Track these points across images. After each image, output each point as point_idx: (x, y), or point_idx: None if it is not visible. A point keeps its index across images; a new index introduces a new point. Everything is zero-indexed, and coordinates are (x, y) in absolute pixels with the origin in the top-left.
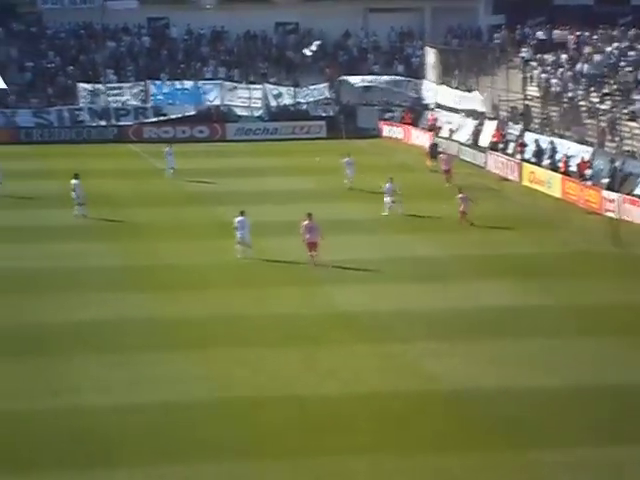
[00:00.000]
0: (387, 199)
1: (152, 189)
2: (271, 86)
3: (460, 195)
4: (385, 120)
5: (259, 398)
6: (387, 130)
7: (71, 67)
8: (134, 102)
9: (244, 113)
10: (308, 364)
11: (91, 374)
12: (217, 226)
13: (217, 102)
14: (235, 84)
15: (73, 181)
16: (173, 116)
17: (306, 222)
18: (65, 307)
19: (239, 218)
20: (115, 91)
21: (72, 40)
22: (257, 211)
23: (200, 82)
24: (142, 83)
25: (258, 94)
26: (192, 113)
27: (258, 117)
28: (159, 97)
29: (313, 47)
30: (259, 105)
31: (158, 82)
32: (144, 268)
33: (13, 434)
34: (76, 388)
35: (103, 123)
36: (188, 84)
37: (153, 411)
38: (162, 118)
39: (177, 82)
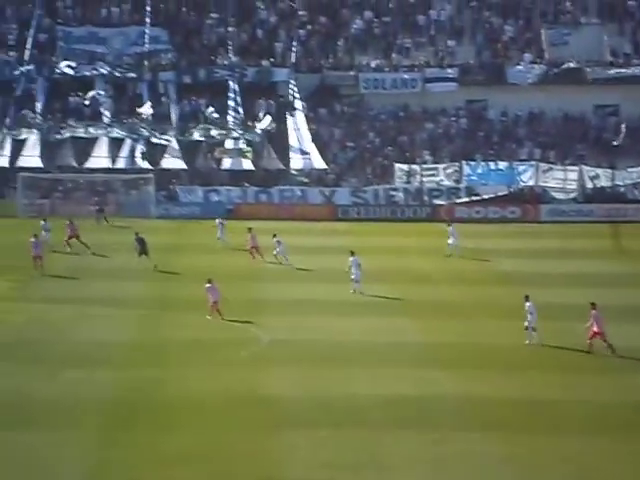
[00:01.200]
0: None
1: (457, 267)
2: (588, 167)
3: None
4: None
5: None
6: None
7: (389, 148)
8: (447, 182)
9: (558, 195)
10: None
11: (401, 450)
12: (522, 307)
13: (531, 183)
14: (550, 165)
15: (350, 258)
16: (486, 196)
17: (592, 312)
18: (378, 381)
19: (528, 303)
20: (430, 172)
21: (391, 121)
22: (557, 293)
23: (515, 163)
24: (456, 164)
25: (573, 175)
26: (504, 193)
27: (572, 199)
28: (473, 177)
29: (622, 131)
30: (574, 187)
31: (472, 163)
32: (447, 345)
33: None
34: (385, 463)
35: (416, 203)
36: (502, 165)
37: None
38: (475, 198)
39: (491, 163)
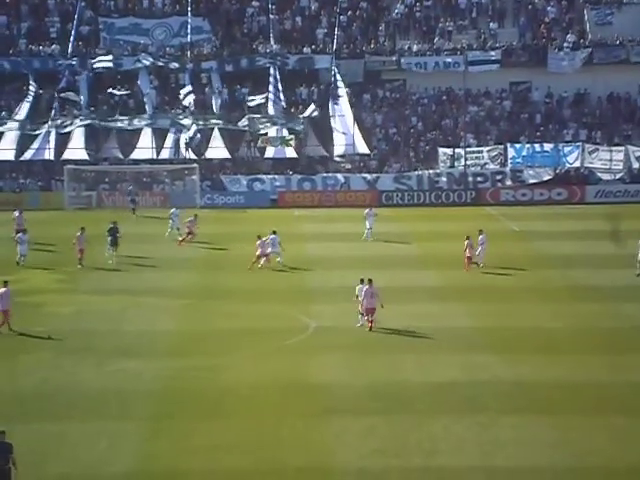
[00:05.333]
0: None
1: (506, 251)
2: (634, 147)
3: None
4: None
5: (615, 468)
6: None
7: (433, 132)
8: (492, 165)
9: (604, 175)
10: None
11: (450, 435)
12: (569, 289)
13: (577, 164)
14: (596, 146)
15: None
16: (531, 180)
17: (365, 287)
18: (426, 367)
19: (360, 286)
20: (474, 155)
21: (434, 105)
22: (604, 275)
23: (560, 144)
24: (501, 146)
25: (620, 156)
26: (549, 177)
27: (619, 179)
28: (518, 160)
29: None
30: (620, 167)
31: (517, 145)
32: (495, 329)
33: None
34: (435, 448)
35: (461, 187)
36: (548, 147)
37: (501, 475)
38: (519, 185)
39: (536, 145)
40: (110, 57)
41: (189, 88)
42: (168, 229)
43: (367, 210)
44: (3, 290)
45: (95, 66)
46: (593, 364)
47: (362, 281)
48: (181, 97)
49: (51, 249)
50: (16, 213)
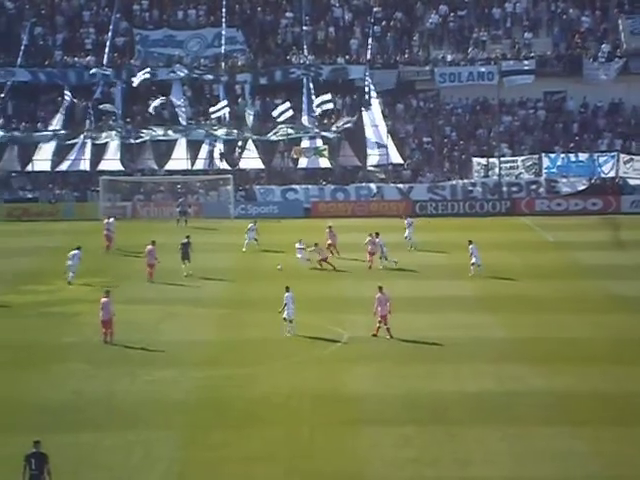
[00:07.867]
0: None
1: (541, 262)
2: None
3: None
4: None
5: None
6: None
7: (466, 142)
8: (527, 175)
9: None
10: None
11: (484, 445)
12: (604, 300)
13: (612, 174)
14: (632, 156)
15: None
16: (566, 190)
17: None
18: (460, 377)
19: (287, 294)
20: (508, 164)
21: (468, 115)
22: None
23: (595, 154)
24: (535, 156)
25: None
26: (584, 187)
27: None
28: (552, 170)
29: None
30: None
31: (552, 155)
32: (530, 340)
33: None
34: (469, 459)
35: (495, 197)
36: (582, 156)
37: None
38: (553, 195)
39: (571, 155)
40: (147, 70)
41: (224, 102)
42: (253, 243)
43: (407, 220)
44: (105, 300)
45: (131, 78)
46: (626, 375)
47: (380, 289)
48: (213, 110)
49: (87, 259)
50: (108, 220)
